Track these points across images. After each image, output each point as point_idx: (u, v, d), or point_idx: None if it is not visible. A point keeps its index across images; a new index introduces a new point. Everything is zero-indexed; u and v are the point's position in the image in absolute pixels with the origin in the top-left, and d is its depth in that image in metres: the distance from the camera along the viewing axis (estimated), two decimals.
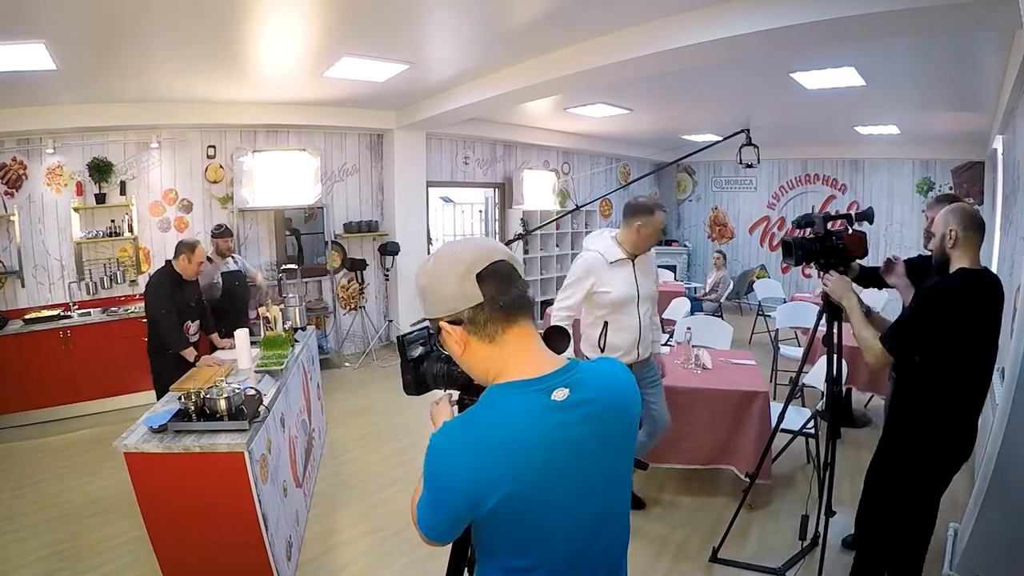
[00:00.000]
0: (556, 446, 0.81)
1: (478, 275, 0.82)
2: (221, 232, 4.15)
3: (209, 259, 3.88)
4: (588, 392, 0.85)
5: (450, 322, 0.85)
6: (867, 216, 2.05)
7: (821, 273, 2.08)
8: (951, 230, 1.83)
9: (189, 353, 3.12)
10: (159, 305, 3.15)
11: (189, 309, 3.34)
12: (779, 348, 4.69)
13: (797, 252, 2.04)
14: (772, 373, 4.85)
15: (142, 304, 4.56)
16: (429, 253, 6.22)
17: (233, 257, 4.24)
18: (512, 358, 0.85)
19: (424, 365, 1.05)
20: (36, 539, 2.70)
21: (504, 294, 0.84)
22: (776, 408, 2.54)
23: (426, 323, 1.25)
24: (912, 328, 1.83)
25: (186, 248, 3.25)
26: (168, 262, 3.30)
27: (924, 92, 4.34)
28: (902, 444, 1.95)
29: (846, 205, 7.66)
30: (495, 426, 0.81)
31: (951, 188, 6.80)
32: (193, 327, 3.40)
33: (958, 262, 1.83)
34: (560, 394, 0.82)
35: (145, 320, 3.30)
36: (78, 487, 3.20)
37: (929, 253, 1.98)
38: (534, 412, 0.81)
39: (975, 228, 1.82)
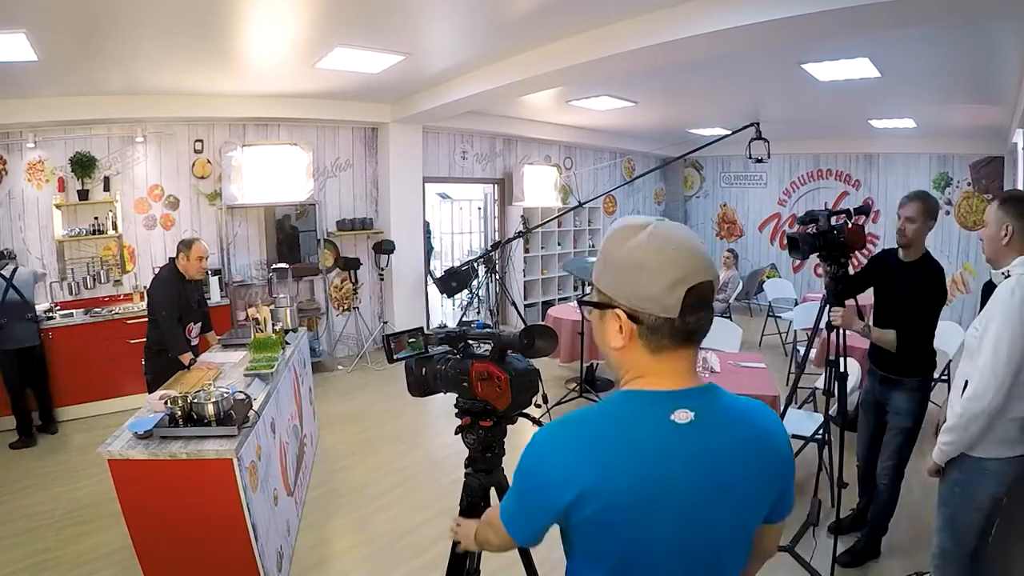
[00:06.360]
0: (658, 469, 0.75)
1: (687, 291, 0.75)
2: None
3: None
4: (714, 424, 0.78)
5: (628, 316, 0.78)
6: (863, 210, 2.36)
7: (826, 269, 2.25)
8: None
9: (185, 357, 3.06)
10: (160, 304, 3.11)
11: (191, 310, 3.29)
12: (799, 351, 4.57)
13: (803, 247, 2.17)
14: (788, 376, 4.74)
15: (127, 305, 4.49)
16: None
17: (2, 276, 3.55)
18: (659, 371, 0.80)
19: (427, 366, 1.04)
20: (18, 549, 2.64)
21: (694, 316, 0.77)
22: (787, 414, 2.46)
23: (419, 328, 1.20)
24: None
25: (183, 246, 3.22)
26: (172, 260, 3.27)
27: (941, 84, 4.24)
28: None
29: (860, 201, 7.52)
30: (599, 425, 0.79)
31: (969, 183, 6.67)
32: (195, 329, 3.34)
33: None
34: (682, 416, 0.76)
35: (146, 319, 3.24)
36: (61, 495, 3.14)
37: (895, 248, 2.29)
38: (646, 425, 0.77)
39: None
